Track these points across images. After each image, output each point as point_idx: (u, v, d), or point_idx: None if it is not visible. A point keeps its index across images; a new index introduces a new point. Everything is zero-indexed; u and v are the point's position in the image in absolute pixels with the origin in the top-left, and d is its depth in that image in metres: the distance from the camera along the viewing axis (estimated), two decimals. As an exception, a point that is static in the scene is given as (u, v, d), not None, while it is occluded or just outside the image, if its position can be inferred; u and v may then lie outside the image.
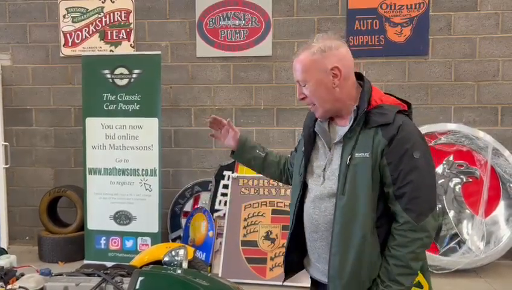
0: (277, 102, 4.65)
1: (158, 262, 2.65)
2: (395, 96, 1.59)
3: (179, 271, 2.44)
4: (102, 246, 4.23)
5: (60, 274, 2.38)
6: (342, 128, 1.56)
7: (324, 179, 1.56)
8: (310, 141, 1.63)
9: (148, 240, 4.16)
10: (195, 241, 4.26)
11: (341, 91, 1.51)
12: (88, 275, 2.35)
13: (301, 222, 1.66)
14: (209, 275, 2.66)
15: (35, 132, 4.91)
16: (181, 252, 2.59)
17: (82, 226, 4.35)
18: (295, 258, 1.74)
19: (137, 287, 2.17)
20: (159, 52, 4.26)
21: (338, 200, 1.48)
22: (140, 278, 2.24)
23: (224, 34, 4.63)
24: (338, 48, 1.51)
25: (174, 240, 4.52)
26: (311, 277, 1.73)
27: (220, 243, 4.07)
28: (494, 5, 4.33)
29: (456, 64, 4.31)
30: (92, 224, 4.26)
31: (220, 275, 3.90)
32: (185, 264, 2.55)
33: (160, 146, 4.18)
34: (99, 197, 4.24)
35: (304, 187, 1.64)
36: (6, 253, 2.55)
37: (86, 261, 4.17)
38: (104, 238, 4.24)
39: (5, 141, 4.72)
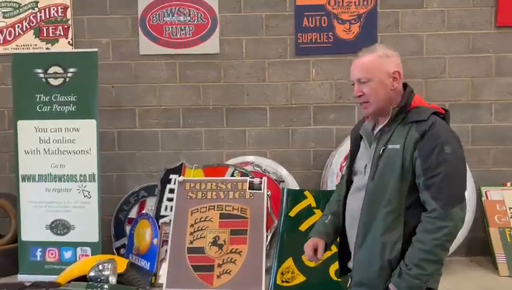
0: (226, 101, 4.49)
1: (85, 277, 2.44)
2: (435, 105, 1.77)
3: (104, 287, 2.24)
4: (38, 258, 3.93)
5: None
6: (383, 124, 1.74)
7: (365, 174, 1.72)
8: (356, 143, 1.84)
9: (89, 250, 3.90)
10: (139, 249, 4.04)
11: (394, 93, 1.71)
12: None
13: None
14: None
15: (-35, 136, 4.53)
16: (108, 265, 2.39)
17: (16, 237, 4.03)
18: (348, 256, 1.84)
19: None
20: (96, 50, 4.00)
21: (367, 186, 1.67)
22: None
23: (168, 31, 4.42)
24: (397, 56, 1.76)
25: (118, 249, 4.27)
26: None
27: (166, 251, 3.86)
28: (440, 2, 4.34)
29: (405, 62, 4.27)
30: (26, 235, 3.95)
31: (164, 285, 3.70)
32: (112, 279, 2.35)
33: (99, 149, 3.92)
34: (34, 206, 3.94)
35: (349, 186, 1.83)
36: None
37: (19, 275, 3.87)
38: (40, 249, 3.94)
39: None
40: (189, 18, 4.41)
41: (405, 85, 1.78)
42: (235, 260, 3.76)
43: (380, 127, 1.72)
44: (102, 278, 2.33)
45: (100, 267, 2.38)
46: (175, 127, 4.48)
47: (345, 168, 1.91)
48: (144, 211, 4.28)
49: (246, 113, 4.47)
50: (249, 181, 3.85)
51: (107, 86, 4.37)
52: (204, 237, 3.83)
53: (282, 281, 3.53)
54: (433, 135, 1.59)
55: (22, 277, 3.79)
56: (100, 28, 4.44)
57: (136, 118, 4.49)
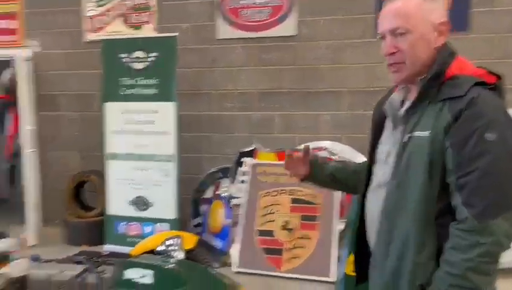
0: (302, 84, 4.40)
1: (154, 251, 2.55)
2: (485, 69, 1.27)
3: (170, 261, 2.32)
4: (122, 231, 4.24)
5: (50, 260, 2.34)
6: (409, 103, 1.31)
7: (386, 165, 1.33)
8: (379, 124, 1.42)
9: (167, 226, 4.11)
10: (213, 228, 4.16)
11: (436, 54, 1.26)
12: (77, 262, 2.29)
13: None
14: (207, 269, 2.53)
15: (63, 117, 4.99)
16: (175, 241, 2.47)
17: (104, 211, 4.37)
18: (365, 259, 1.46)
19: (116, 277, 2.08)
20: (176, 34, 4.13)
21: (388, 185, 1.28)
22: (121, 268, 2.14)
23: (245, 14, 4.42)
24: (442, 2, 1.32)
25: (195, 227, 4.44)
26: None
27: (237, 232, 3.93)
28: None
29: (501, 40, 3.83)
30: (111, 209, 4.27)
31: (236, 264, 3.78)
32: (179, 254, 2.43)
33: (178, 131, 4.07)
34: (119, 183, 4.24)
35: (369, 179, 1.43)
36: (7, 237, 2.55)
37: (106, 246, 4.20)
38: (123, 223, 4.24)
39: (35, 126, 4.85)
40: (266, 0, 4.37)
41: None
42: (305, 246, 3.72)
43: (408, 104, 1.29)
44: (170, 253, 2.43)
45: (168, 242, 2.47)
46: (250, 110, 4.51)
47: (367, 151, 1.49)
48: (218, 192, 4.38)
49: (321, 96, 4.34)
50: (322, 167, 3.76)
51: (186, 70, 4.51)
52: (274, 220, 3.84)
53: (353, 271, 3.42)
54: (472, 115, 1.15)
55: (107, 247, 4.12)
56: (181, 14, 4.58)
57: (213, 101, 4.59)
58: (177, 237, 2.53)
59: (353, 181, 1.61)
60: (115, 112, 4.21)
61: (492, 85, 1.22)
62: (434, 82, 1.23)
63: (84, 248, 4.28)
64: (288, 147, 4.26)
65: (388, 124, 1.38)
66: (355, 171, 1.62)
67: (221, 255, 3.91)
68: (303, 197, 3.83)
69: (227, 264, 3.87)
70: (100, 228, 4.34)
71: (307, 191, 3.80)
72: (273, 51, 4.42)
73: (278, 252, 3.73)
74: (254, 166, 4.10)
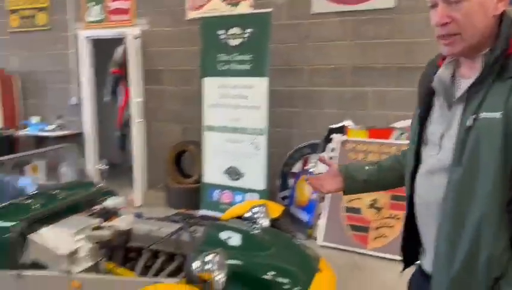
0: (398, 60, 4.21)
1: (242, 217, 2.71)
2: None
3: (255, 227, 2.46)
4: (215, 198, 4.53)
5: (151, 218, 2.62)
6: (467, 82, 1.17)
7: (440, 148, 1.22)
8: (426, 100, 1.29)
9: (256, 196, 4.29)
10: (300, 202, 4.25)
11: (494, 24, 1.12)
12: (173, 221, 2.53)
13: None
14: (292, 239, 2.63)
15: (167, 90, 5.40)
16: (261, 209, 2.60)
17: (200, 179, 4.70)
18: (414, 246, 1.39)
19: (206, 236, 2.26)
20: (270, 10, 4.19)
21: (452, 173, 1.15)
22: (211, 230, 2.33)
23: (341, -13, 4.32)
24: None
25: (282, 199, 4.58)
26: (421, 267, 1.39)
27: (324, 207, 3.97)
28: None
29: None
30: (207, 177, 4.57)
31: (320, 239, 3.84)
32: (264, 221, 2.56)
33: (269, 106, 4.19)
34: (214, 153, 4.51)
35: (418, 159, 1.31)
36: (116, 195, 2.89)
37: (201, 211, 4.53)
38: (217, 191, 4.52)
39: (142, 99, 5.33)
40: (364, -27, 4.22)
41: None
42: (393, 226, 3.64)
43: (467, 83, 1.15)
44: (256, 219, 2.56)
45: (254, 210, 2.61)
46: (342, 86, 4.45)
47: (411, 131, 1.35)
48: (306, 167, 4.44)
49: (418, 72, 4.10)
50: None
51: (280, 46, 4.57)
52: (361, 198, 3.80)
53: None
54: None
55: (202, 212, 4.44)
56: (276, -11, 4.62)
57: (305, 77, 4.60)
58: (264, 205, 2.66)
59: (391, 179, 1.54)
60: (212, 87, 4.45)
61: None
62: (500, 57, 1.09)
63: (182, 210, 4.68)
64: (381, 124, 4.16)
65: (438, 102, 1.26)
66: (392, 167, 1.54)
67: (306, 228, 4.00)
68: (393, 177, 3.72)
69: (311, 237, 3.96)
70: (197, 194, 4.68)
71: (398, 170, 3.69)
72: (369, 25, 4.27)
73: (365, 229, 3.71)
74: (343, 143, 4.08)
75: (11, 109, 6.28)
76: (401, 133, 3.94)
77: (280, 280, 2.04)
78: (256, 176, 4.27)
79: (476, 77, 1.13)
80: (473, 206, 1.11)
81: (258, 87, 4.20)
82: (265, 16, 4.16)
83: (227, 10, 4.87)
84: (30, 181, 2.99)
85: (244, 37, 4.27)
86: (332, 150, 4.11)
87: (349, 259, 3.59)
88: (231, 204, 4.37)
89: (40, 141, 5.95)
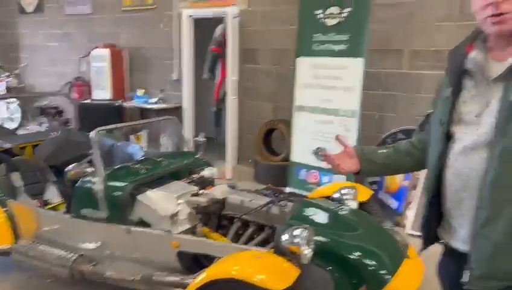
0: None
1: (329, 198, 2.75)
2: None
3: (343, 208, 2.49)
4: (303, 177, 4.60)
5: (243, 190, 2.77)
6: (500, 65, 1.26)
7: (479, 124, 1.28)
8: (457, 81, 1.35)
9: (343, 178, 4.27)
10: (389, 188, 4.16)
11: None
12: (263, 195, 2.65)
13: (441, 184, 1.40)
14: (380, 223, 2.62)
15: (261, 69, 5.52)
16: (350, 191, 2.62)
17: (289, 157, 4.79)
18: (435, 225, 1.47)
19: (295, 212, 2.35)
20: (371, -11, 4.07)
21: (496, 145, 1.22)
22: (300, 206, 2.41)
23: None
24: None
25: (370, 184, 4.50)
26: (449, 248, 1.43)
27: (415, 195, 3.85)
28: None
29: None
30: (295, 156, 4.65)
31: (409, 227, 3.75)
32: (352, 204, 2.57)
33: (363, 88, 4.11)
34: (303, 133, 4.55)
35: (448, 139, 1.37)
36: (211, 166, 3.09)
37: (288, 189, 4.64)
38: (304, 170, 4.58)
39: (237, 77, 5.53)
40: None
41: None
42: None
43: (503, 64, 1.22)
44: (344, 201, 2.58)
45: (343, 191, 2.63)
46: (443, 70, 4.19)
47: (440, 115, 1.39)
48: (399, 153, 4.31)
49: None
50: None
51: (380, 26, 4.42)
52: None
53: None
54: None
55: (288, 189, 4.55)
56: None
57: (404, 59, 4.42)
58: (353, 187, 2.67)
59: (408, 163, 1.59)
60: (306, 67, 4.46)
61: None
62: None
63: (270, 185, 4.83)
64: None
65: (471, 83, 1.32)
66: (408, 152, 1.58)
67: (395, 215, 3.92)
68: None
69: (400, 224, 3.87)
70: (284, 171, 4.79)
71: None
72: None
73: (458, 222, 3.53)
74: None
75: (120, 81, 6.90)
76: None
77: (366, 261, 2.06)
78: (344, 159, 4.24)
79: None
80: None
81: (353, 68, 4.13)
82: (365, -5, 4.05)
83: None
84: (138, 148, 3.31)
85: (342, 17, 4.20)
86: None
87: (436, 250, 3.45)
88: (318, 184, 4.41)
89: (144, 112, 6.48)
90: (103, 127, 2.70)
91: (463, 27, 4.05)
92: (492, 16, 1.23)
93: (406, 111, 4.44)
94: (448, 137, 1.36)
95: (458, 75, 1.35)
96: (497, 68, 1.26)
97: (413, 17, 4.30)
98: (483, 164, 1.25)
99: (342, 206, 2.52)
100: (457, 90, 1.35)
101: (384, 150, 1.63)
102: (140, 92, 6.68)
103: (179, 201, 2.51)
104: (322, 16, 4.31)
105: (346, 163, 1.61)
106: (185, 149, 3.44)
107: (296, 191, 4.43)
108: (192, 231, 2.50)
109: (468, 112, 1.32)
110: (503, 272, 1.24)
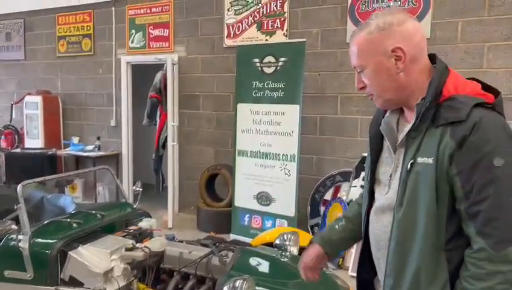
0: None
1: (271, 244, 2.73)
2: (481, 83, 1.22)
3: (284, 254, 2.47)
4: (246, 223, 4.56)
5: (181, 241, 2.68)
6: (408, 126, 1.27)
7: (389, 188, 1.30)
8: (377, 141, 1.38)
9: (285, 223, 4.30)
10: (330, 230, 4.21)
11: (407, 78, 1.22)
12: (204, 245, 2.58)
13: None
14: (321, 269, 2.62)
15: (201, 115, 5.54)
16: (291, 237, 2.61)
17: (231, 202, 4.75)
18: (367, 275, 1.47)
19: (236, 262, 2.30)
20: (304, 40, 4.29)
21: (396, 213, 1.24)
22: (240, 255, 2.36)
23: (376, 17, 4.36)
24: (401, 23, 1.21)
25: (312, 227, 4.56)
26: None
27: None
28: None
29: None
30: (238, 201, 4.62)
31: (351, 269, 3.79)
32: (293, 250, 2.57)
33: (300, 133, 4.23)
34: (245, 178, 4.57)
35: (372, 197, 1.40)
36: (150, 217, 2.98)
37: (231, 235, 4.57)
38: (247, 215, 4.56)
39: (177, 123, 5.49)
40: (399, 3, 4.26)
41: (433, 58, 1.24)
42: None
43: (406, 130, 1.24)
44: (286, 247, 2.57)
45: (284, 237, 2.62)
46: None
47: (365, 172, 1.44)
48: (338, 195, 4.42)
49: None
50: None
51: (314, 74, 4.64)
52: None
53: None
54: (477, 141, 1.10)
55: (232, 236, 4.48)
56: (312, 19, 4.72)
57: (338, 104, 4.63)
58: (294, 233, 2.67)
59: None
60: (245, 112, 4.55)
61: (492, 104, 1.15)
62: (430, 104, 1.18)
63: (212, 234, 4.73)
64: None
65: (386, 144, 1.34)
66: (358, 215, 1.53)
67: (338, 258, 3.95)
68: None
69: (342, 267, 3.91)
70: (228, 217, 4.73)
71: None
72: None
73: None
74: (376, 171, 4.04)
75: (54, 129, 6.60)
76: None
77: (308, 309, 2.04)
78: (286, 202, 4.29)
79: (412, 124, 1.21)
80: (414, 245, 1.20)
81: (291, 114, 4.26)
82: (299, 45, 4.26)
83: (262, 39, 5.01)
84: (70, 200, 3.13)
85: (278, 65, 4.37)
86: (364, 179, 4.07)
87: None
88: (261, 229, 4.39)
89: (80, 160, 6.21)
90: (30, 180, 2.54)
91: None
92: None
93: (342, 154, 4.61)
94: (373, 194, 1.39)
95: (378, 134, 1.37)
96: (405, 131, 1.27)
97: (344, 65, 4.56)
98: (389, 229, 1.27)
99: (283, 253, 2.51)
100: (379, 150, 1.37)
101: (337, 225, 1.61)
102: (75, 140, 6.42)
103: (113, 257, 2.37)
104: (259, 64, 4.46)
105: (314, 262, 1.59)
106: (122, 199, 3.30)
107: (240, 237, 4.37)
108: (128, 288, 2.35)
109: (383, 172, 1.34)
110: None
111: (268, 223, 4.42)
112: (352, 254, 3.84)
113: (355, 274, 1.53)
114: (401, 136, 1.28)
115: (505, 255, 1.09)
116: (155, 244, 2.50)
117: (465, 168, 1.12)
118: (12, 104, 7.00)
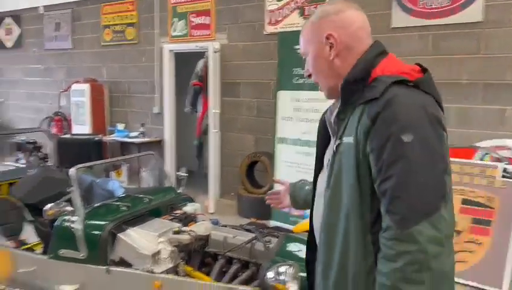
0: (485, 76, 4.00)
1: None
2: (417, 65, 1.22)
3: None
4: (286, 210, 4.56)
5: (225, 226, 2.73)
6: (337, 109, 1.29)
7: (325, 174, 1.30)
8: (324, 131, 1.38)
9: (327, 211, 4.27)
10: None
11: (342, 64, 1.24)
12: (247, 230, 2.61)
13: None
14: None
15: (242, 102, 5.57)
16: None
17: (271, 189, 4.77)
18: (313, 257, 1.44)
19: (280, 248, 2.32)
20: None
21: (325, 196, 1.24)
22: (284, 241, 2.38)
23: (424, 0, 4.20)
24: (338, 12, 1.26)
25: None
26: None
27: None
28: None
29: None
30: (278, 188, 4.62)
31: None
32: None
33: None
34: (287, 165, 4.56)
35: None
36: (194, 202, 3.04)
37: (271, 221, 4.60)
38: (288, 203, 4.55)
39: (219, 110, 5.55)
40: (449, -15, 4.08)
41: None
42: (474, 251, 3.45)
43: (335, 111, 1.24)
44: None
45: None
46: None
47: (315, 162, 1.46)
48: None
49: (507, 89, 3.88)
50: (503, 168, 3.42)
51: (357, 60, 4.54)
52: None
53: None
54: (387, 117, 1.08)
55: (272, 222, 4.51)
56: (357, 3, 4.59)
57: (382, 91, 4.52)
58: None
59: None
60: (286, 100, 4.52)
61: (414, 82, 1.13)
62: (354, 86, 1.18)
63: (254, 220, 4.78)
64: (463, 143, 3.97)
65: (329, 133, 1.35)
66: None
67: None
68: (476, 199, 3.53)
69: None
70: (267, 204, 4.74)
71: (481, 192, 3.49)
72: (453, 39, 4.11)
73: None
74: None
75: (100, 116, 6.84)
76: (486, 154, 3.72)
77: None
78: (327, 190, 4.25)
79: (338, 106, 1.22)
80: (339, 227, 1.18)
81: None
82: (343, 30, 4.17)
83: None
84: (118, 185, 3.24)
85: (320, 52, 4.30)
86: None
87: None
88: (302, 217, 4.39)
89: (125, 146, 6.41)
90: (83, 165, 2.65)
91: (438, 60, 4.20)
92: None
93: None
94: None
95: (325, 125, 1.37)
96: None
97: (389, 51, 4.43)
98: (320, 215, 1.28)
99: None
100: (325, 139, 1.37)
101: (307, 187, 1.68)
102: (121, 126, 6.63)
103: (161, 239, 2.44)
104: (301, 50, 4.41)
105: (286, 199, 1.78)
106: (166, 184, 3.38)
107: (280, 224, 4.39)
108: (174, 270, 2.42)
109: (326, 158, 1.34)
110: None
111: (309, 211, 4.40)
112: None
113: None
114: (332, 119, 1.28)
115: (410, 234, 1.04)
116: (200, 228, 2.55)
117: (376, 144, 1.10)
118: (60, 92, 7.31)
